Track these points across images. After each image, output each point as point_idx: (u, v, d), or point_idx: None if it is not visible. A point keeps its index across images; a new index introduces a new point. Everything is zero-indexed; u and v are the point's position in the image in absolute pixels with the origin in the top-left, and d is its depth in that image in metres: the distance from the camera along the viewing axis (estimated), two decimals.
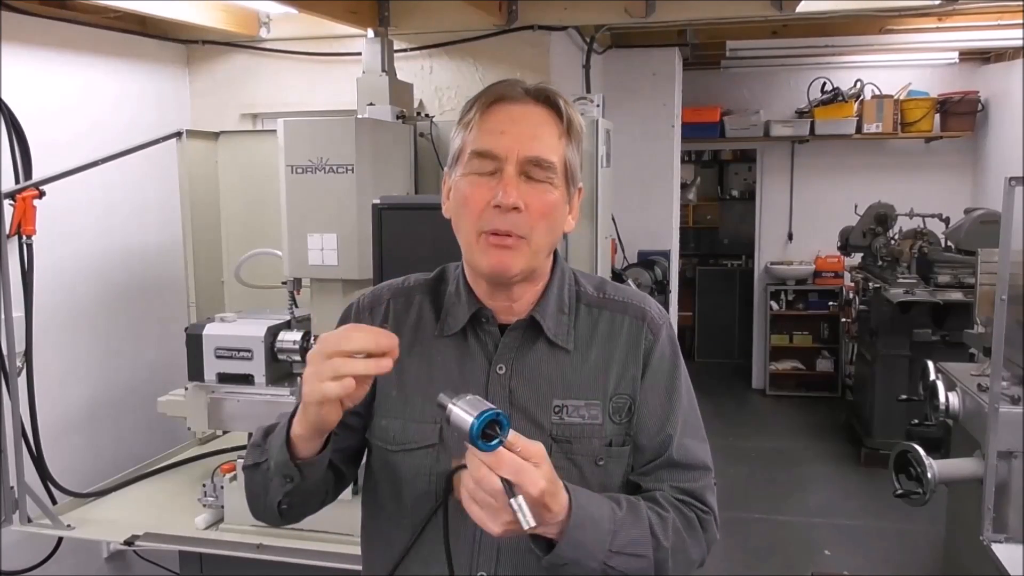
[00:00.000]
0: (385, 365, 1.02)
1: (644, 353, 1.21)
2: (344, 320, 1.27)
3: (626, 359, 1.20)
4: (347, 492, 1.28)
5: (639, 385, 1.20)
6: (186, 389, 2.47)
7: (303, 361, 1.72)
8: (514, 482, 0.96)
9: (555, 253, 1.23)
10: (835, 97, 6.33)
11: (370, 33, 3.08)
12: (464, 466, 1.00)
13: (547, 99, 1.15)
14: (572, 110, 1.16)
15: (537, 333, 1.19)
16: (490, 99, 1.14)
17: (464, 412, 0.97)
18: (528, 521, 0.96)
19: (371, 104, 2.79)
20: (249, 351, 2.36)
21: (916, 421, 3.55)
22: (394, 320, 1.22)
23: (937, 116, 6.19)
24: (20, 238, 2.35)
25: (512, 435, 0.98)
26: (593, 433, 1.17)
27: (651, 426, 1.20)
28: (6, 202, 2.26)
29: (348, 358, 1.00)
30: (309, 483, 1.13)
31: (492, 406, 0.97)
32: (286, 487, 1.12)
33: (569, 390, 1.18)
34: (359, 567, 1.33)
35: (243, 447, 2.50)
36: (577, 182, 1.19)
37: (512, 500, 0.96)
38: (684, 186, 6.93)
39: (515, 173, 1.10)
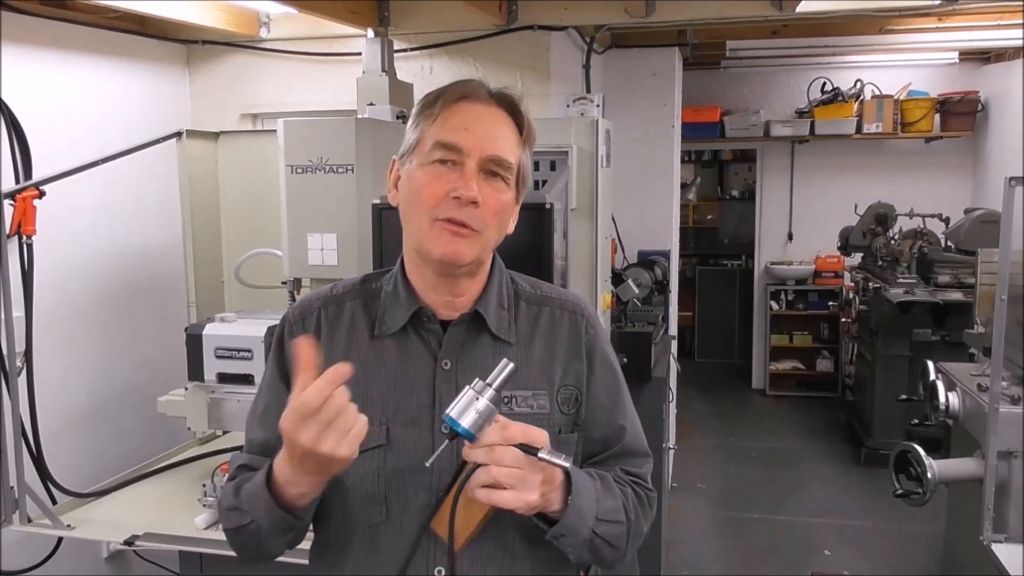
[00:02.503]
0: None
1: (587, 348, 1.25)
2: (279, 335, 1.27)
3: (569, 352, 1.24)
4: None
5: (584, 378, 1.24)
6: (186, 389, 2.47)
7: None
8: (527, 440, 1.02)
9: (493, 252, 1.25)
10: (835, 97, 6.33)
11: (370, 33, 3.07)
12: (462, 468, 1.04)
13: (509, 104, 1.18)
14: (530, 117, 1.20)
15: (480, 328, 1.21)
16: (455, 96, 1.16)
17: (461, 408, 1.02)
18: (563, 461, 1.03)
19: (371, 104, 2.79)
20: (249, 351, 2.36)
21: (916, 421, 3.55)
22: (327, 327, 1.23)
23: (937, 116, 6.19)
24: (20, 238, 2.35)
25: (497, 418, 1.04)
26: (542, 422, 1.19)
27: (602, 419, 1.26)
28: (6, 202, 2.26)
29: (345, 415, 0.99)
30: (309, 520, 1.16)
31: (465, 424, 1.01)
32: (288, 536, 1.15)
33: (516, 381, 1.18)
34: None
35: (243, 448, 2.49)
36: (526, 185, 1.22)
37: (539, 453, 1.02)
38: (684, 186, 6.93)
39: (475, 168, 1.13)
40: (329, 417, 0.98)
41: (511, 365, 1.05)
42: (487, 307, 1.21)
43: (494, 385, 1.02)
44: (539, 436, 1.04)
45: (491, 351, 1.20)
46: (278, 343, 1.26)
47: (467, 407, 1.01)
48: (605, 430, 1.26)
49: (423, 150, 1.15)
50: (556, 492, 1.08)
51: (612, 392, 1.27)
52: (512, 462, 1.01)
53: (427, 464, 1.06)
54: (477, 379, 1.03)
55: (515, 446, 1.01)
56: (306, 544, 1.30)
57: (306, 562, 1.30)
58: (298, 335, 1.22)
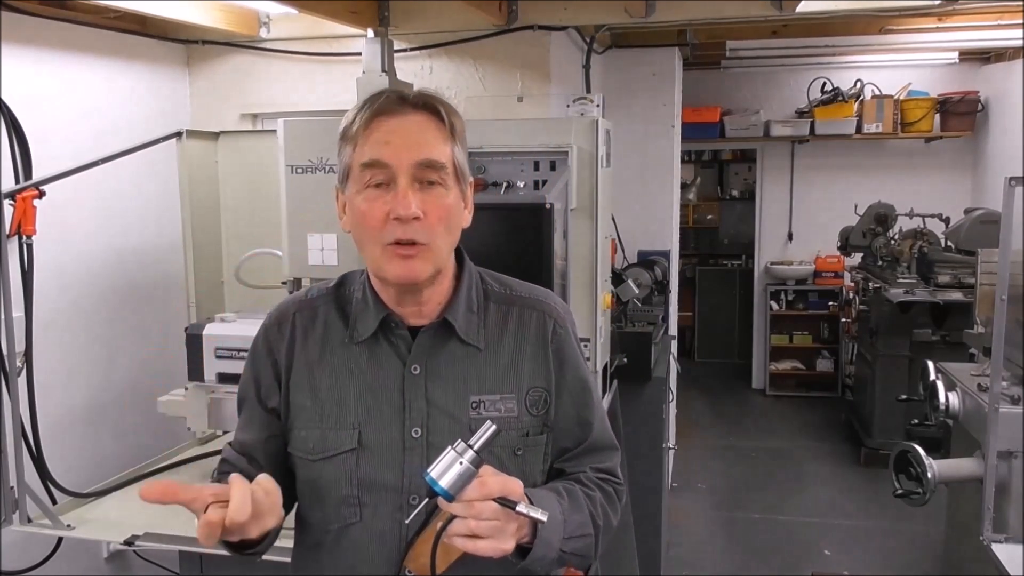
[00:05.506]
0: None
1: (555, 347, 1.26)
2: (258, 340, 1.29)
3: (536, 353, 1.25)
4: None
5: (552, 379, 1.25)
6: (186, 389, 2.47)
7: None
8: (504, 494, 1.04)
9: (463, 254, 1.26)
10: (835, 97, 6.33)
11: (370, 33, 3.07)
12: (434, 510, 1.05)
13: (426, 105, 1.17)
14: (452, 114, 1.18)
15: (449, 333, 1.22)
16: (370, 114, 1.16)
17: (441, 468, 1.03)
18: (541, 515, 1.05)
19: None
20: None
21: (916, 421, 3.55)
22: (301, 333, 1.25)
23: (937, 116, 6.19)
24: (20, 238, 2.35)
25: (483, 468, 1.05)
26: (510, 425, 1.21)
27: (571, 417, 1.28)
28: (6, 202, 2.26)
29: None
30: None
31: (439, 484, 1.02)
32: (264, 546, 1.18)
33: (484, 386, 1.22)
34: None
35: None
36: (467, 178, 1.22)
37: (517, 507, 1.03)
38: (684, 186, 6.92)
39: (408, 183, 1.12)
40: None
41: (493, 427, 1.06)
42: (455, 314, 1.22)
43: (476, 447, 1.04)
44: (516, 488, 1.06)
45: (460, 356, 1.22)
46: (254, 348, 1.29)
47: (448, 468, 1.02)
48: (574, 428, 1.28)
49: (355, 176, 1.16)
50: (526, 528, 1.10)
51: (580, 390, 1.29)
52: (491, 515, 1.03)
53: (406, 522, 1.09)
54: (460, 440, 1.04)
55: (493, 499, 1.03)
56: (289, 543, 1.33)
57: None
58: (275, 340, 1.26)
